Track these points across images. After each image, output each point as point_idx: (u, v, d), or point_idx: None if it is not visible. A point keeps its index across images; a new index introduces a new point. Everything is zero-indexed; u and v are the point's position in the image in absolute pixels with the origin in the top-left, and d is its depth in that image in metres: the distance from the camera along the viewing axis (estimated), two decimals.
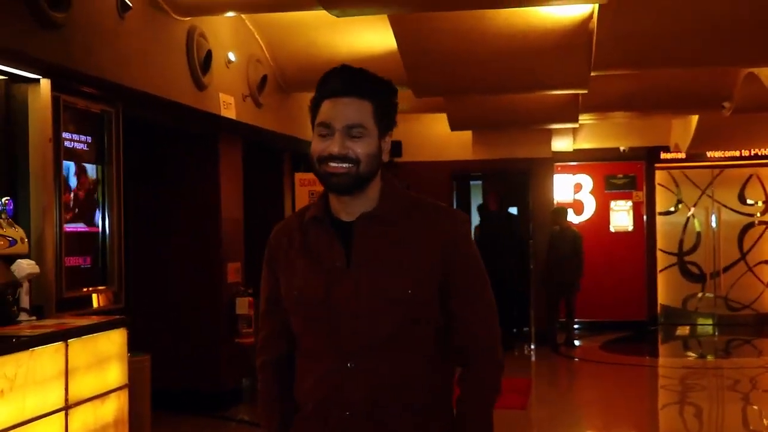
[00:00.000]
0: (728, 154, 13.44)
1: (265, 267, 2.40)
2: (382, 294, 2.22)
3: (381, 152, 2.26)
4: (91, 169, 5.70)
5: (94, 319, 5.04)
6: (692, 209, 13.77)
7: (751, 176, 13.64)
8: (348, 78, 2.24)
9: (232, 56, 7.47)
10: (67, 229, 5.40)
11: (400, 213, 2.29)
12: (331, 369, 2.23)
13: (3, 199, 4.31)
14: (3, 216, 4.29)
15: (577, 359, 11.42)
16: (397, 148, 11.21)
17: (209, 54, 6.94)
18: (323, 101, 2.24)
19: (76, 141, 5.53)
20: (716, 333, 13.40)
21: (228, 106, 7.42)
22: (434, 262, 2.25)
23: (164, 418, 6.89)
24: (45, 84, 5.15)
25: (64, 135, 5.35)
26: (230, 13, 7.03)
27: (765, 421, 8.37)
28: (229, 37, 7.48)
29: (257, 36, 8.05)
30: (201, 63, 6.85)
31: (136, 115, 6.35)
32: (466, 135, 12.00)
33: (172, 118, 7.05)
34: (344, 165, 2.20)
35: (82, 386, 4.57)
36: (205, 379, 7.99)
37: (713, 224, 13.71)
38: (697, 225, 13.75)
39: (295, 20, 7.58)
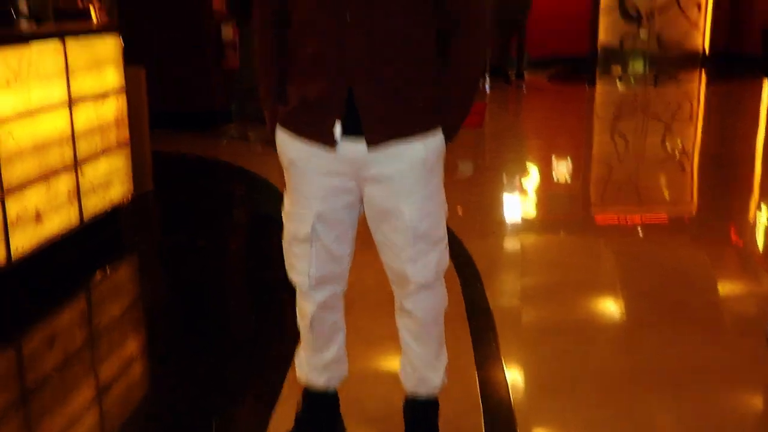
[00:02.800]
0: None
1: None
2: None
3: None
4: None
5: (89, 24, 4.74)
6: None
7: None
8: None
9: None
10: None
11: None
12: (330, 25, 2.04)
13: None
14: None
15: (525, 88, 11.24)
16: None
17: None
18: None
19: None
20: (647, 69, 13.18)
21: None
22: None
23: (163, 135, 6.70)
24: None
25: None
26: None
27: (679, 143, 8.45)
28: None
29: None
30: None
31: None
32: None
33: None
34: None
35: (83, 85, 4.35)
36: (198, 101, 7.77)
37: None
38: None
39: None
